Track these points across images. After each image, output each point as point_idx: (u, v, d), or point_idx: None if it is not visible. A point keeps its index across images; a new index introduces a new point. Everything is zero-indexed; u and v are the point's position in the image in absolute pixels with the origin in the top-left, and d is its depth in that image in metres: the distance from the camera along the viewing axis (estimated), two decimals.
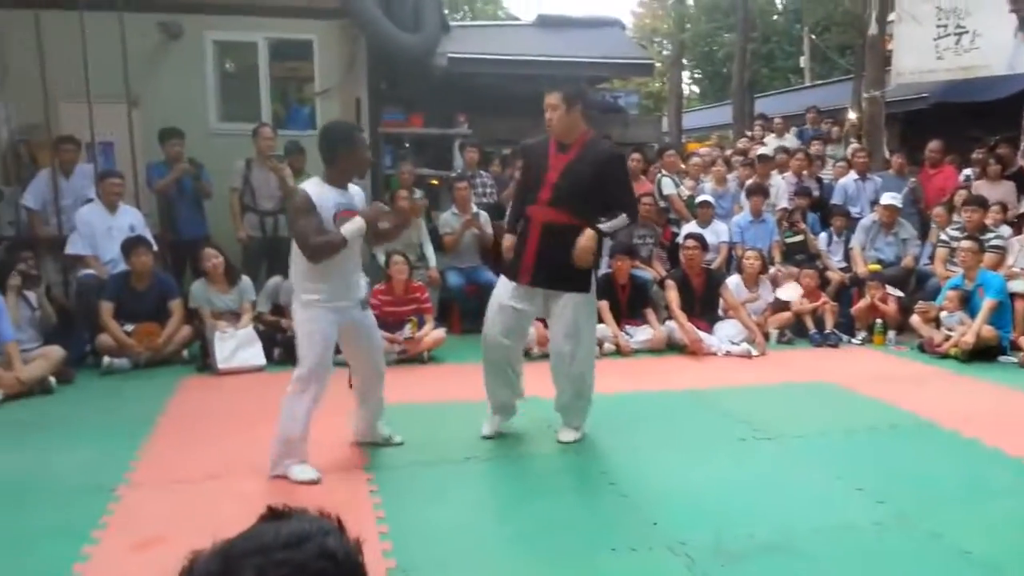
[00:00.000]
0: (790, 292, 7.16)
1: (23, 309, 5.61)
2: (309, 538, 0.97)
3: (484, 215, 7.62)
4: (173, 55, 7.78)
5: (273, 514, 1.04)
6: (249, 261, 6.99)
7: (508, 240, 4.42)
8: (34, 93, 6.49)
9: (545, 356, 6.31)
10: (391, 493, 3.64)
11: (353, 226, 3.74)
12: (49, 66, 6.51)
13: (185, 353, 6.12)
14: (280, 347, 6.05)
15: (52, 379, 5.27)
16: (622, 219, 4.17)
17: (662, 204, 8.13)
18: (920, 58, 8.93)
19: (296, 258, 3.77)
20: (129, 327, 5.87)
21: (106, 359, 5.76)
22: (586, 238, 4.02)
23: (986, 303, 6.20)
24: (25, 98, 6.68)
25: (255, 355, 5.81)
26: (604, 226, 4.13)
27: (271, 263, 6.83)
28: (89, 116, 6.74)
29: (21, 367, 5.13)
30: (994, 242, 6.99)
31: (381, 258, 7.05)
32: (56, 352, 5.39)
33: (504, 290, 4.27)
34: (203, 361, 5.86)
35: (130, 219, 6.46)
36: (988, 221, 7.21)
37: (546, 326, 4.63)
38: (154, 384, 5.47)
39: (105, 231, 6.34)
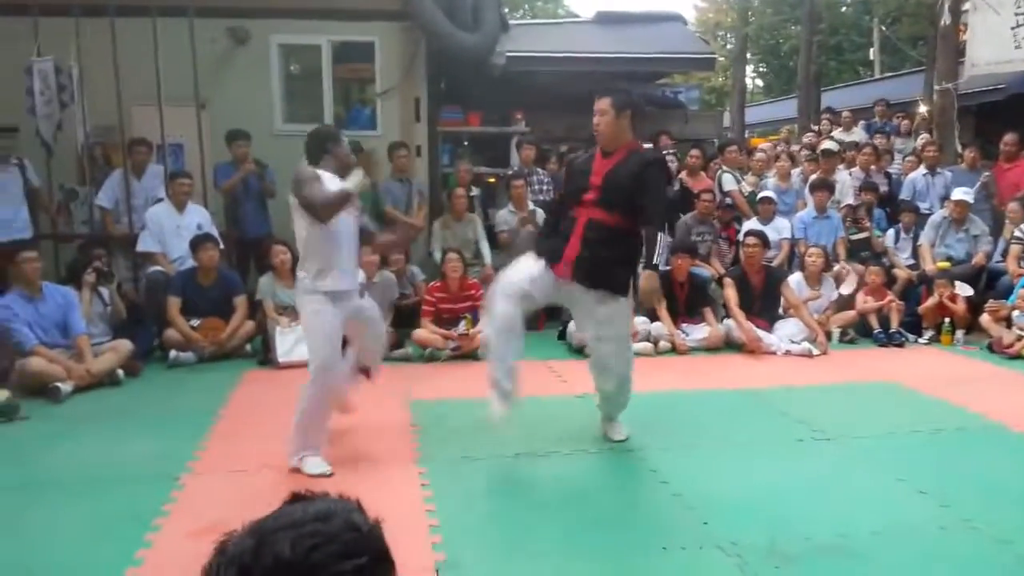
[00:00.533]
0: (849, 285, 6.98)
1: (96, 305, 5.85)
2: (336, 514, 1.04)
3: (540, 212, 7.61)
4: (240, 59, 7.99)
5: (297, 498, 1.10)
6: None
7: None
8: (108, 97, 6.75)
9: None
10: (442, 486, 3.68)
11: (356, 179, 3.89)
12: (122, 71, 6.76)
13: (248, 347, 6.30)
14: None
15: (120, 372, 5.48)
16: (662, 245, 4.08)
17: (725, 201, 8.00)
18: (997, 48, 8.56)
19: (302, 249, 3.92)
20: (195, 322, 6.06)
21: (172, 353, 5.97)
22: (646, 279, 4.00)
23: None
24: (99, 102, 6.95)
25: None
26: (657, 260, 4.04)
27: None
28: (160, 119, 6.98)
29: (91, 360, 5.34)
30: None
31: (437, 255, 7.13)
32: (125, 346, 5.61)
33: (534, 269, 4.17)
34: (265, 355, 6.02)
35: (198, 218, 6.68)
36: None
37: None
38: (217, 377, 5.64)
39: (174, 229, 6.57)
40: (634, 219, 4.05)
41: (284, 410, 4.82)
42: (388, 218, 7.44)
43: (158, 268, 6.44)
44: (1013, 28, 8.30)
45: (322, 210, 3.77)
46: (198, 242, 6.21)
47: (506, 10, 11.50)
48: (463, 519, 3.37)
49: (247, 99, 7.85)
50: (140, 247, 6.58)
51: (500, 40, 8.88)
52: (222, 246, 6.56)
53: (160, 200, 6.78)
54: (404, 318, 6.63)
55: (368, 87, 8.53)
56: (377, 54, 8.22)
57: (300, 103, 8.42)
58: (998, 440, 4.36)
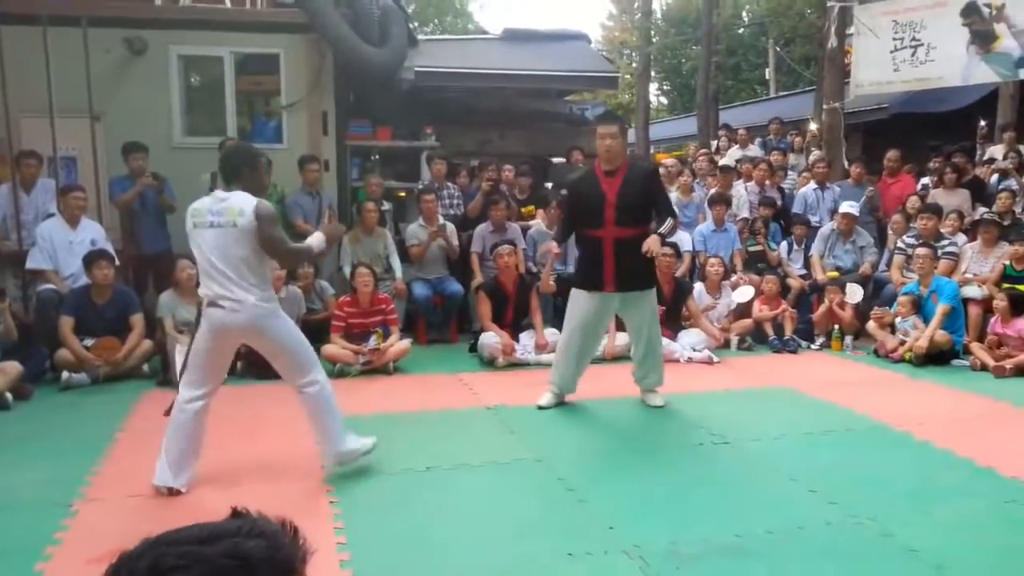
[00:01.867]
0: (744, 294, 7.29)
1: None
2: (227, 537, 0.97)
3: (451, 227, 7.67)
4: (137, 69, 7.75)
5: (234, 514, 1.04)
6: None
7: (547, 277, 5.60)
8: None
9: (512, 366, 6.41)
10: (351, 503, 3.66)
11: (316, 240, 4.12)
12: (11, 81, 6.48)
13: (146, 367, 6.08)
14: (243, 359, 6.02)
15: (9, 395, 5.20)
16: (670, 223, 4.92)
17: None
18: (878, 70, 9.13)
19: (243, 269, 3.73)
20: (89, 342, 5.82)
21: (65, 374, 5.71)
22: (652, 239, 4.75)
23: (940, 308, 6.35)
24: None
25: None
26: (662, 230, 4.87)
27: None
28: (52, 130, 6.70)
29: None
30: (948, 249, 7.17)
31: (347, 270, 7.06)
32: (13, 368, 5.33)
33: (586, 302, 5.02)
34: (164, 375, 5.82)
35: (91, 234, 6.43)
36: (944, 229, 7.39)
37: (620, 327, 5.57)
38: (113, 399, 5.43)
39: (66, 245, 6.30)
40: (648, 224, 4.92)
41: None
42: (298, 232, 7.33)
43: (49, 286, 6.16)
44: (892, 52, 8.86)
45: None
46: (92, 259, 5.97)
47: (415, 25, 11.54)
48: (372, 535, 3.35)
49: (145, 111, 7.63)
50: (30, 264, 6.28)
51: (409, 55, 8.91)
52: (118, 263, 6.33)
53: (51, 215, 6.50)
54: (313, 334, 6.51)
55: (273, 100, 8.40)
56: (282, 66, 8.12)
57: (201, 115, 8.22)
58: (882, 439, 4.63)
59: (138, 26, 7.70)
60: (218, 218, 3.71)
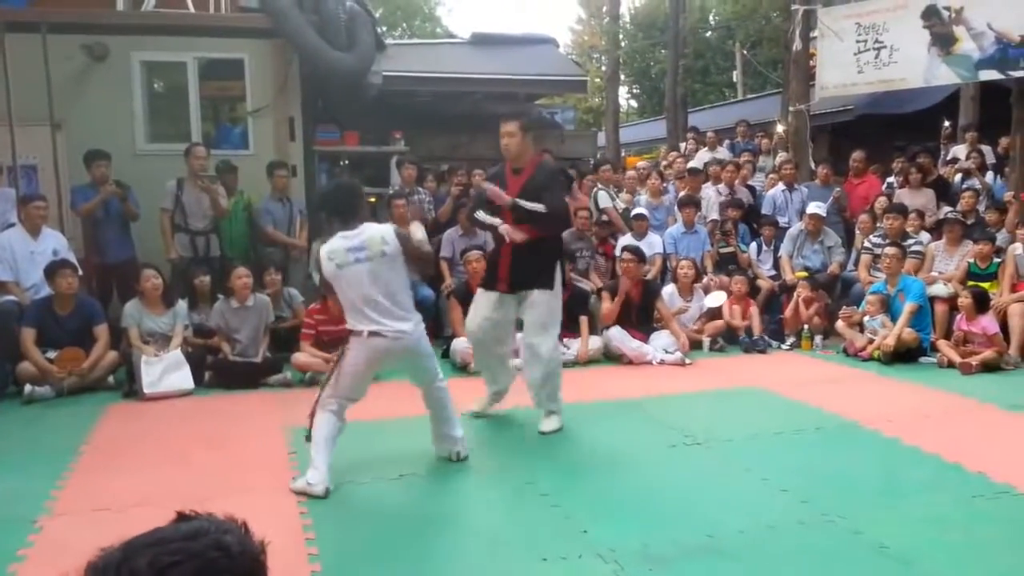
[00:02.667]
0: (717, 299, 7.33)
1: None
2: (206, 533, 1.03)
3: (421, 230, 7.61)
4: (99, 76, 7.63)
5: (181, 517, 1.09)
6: (178, 281, 6.86)
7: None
8: None
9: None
10: (322, 512, 3.61)
11: (422, 232, 5.32)
12: None
13: (111, 379, 5.96)
14: (210, 369, 5.94)
15: None
16: (538, 206, 4.60)
17: (601, 217, 8.25)
18: (842, 72, 9.25)
19: (397, 294, 3.99)
20: (52, 354, 5.70)
21: (27, 387, 5.58)
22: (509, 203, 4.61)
23: (907, 307, 6.43)
24: None
25: (183, 379, 5.69)
26: (522, 203, 4.61)
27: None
28: (11, 139, 6.57)
29: None
30: (914, 248, 7.27)
31: (317, 277, 6.99)
32: None
33: (485, 300, 4.86)
34: (129, 386, 5.72)
35: (53, 243, 6.30)
36: (909, 228, 7.50)
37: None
38: (78, 412, 5.31)
39: (27, 256, 6.17)
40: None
41: (151, 444, 4.64)
42: (268, 239, 7.27)
43: (10, 297, 6.02)
44: (855, 54, 8.99)
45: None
46: (54, 268, 5.85)
47: (383, 29, 11.50)
48: (344, 543, 3.32)
49: (107, 118, 7.52)
50: None
51: (376, 60, 8.86)
52: (80, 272, 6.20)
53: (12, 225, 6.36)
54: (282, 342, 6.46)
55: (239, 105, 8.32)
56: (247, 72, 8.03)
57: (165, 122, 8.12)
58: (852, 437, 4.67)
59: (99, 32, 7.58)
60: (362, 253, 3.89)
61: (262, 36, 7.98)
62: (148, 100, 8.00)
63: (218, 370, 5.95)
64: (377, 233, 3.91)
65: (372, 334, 3.89)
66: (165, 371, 5.64)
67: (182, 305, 6.22)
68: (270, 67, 8.07)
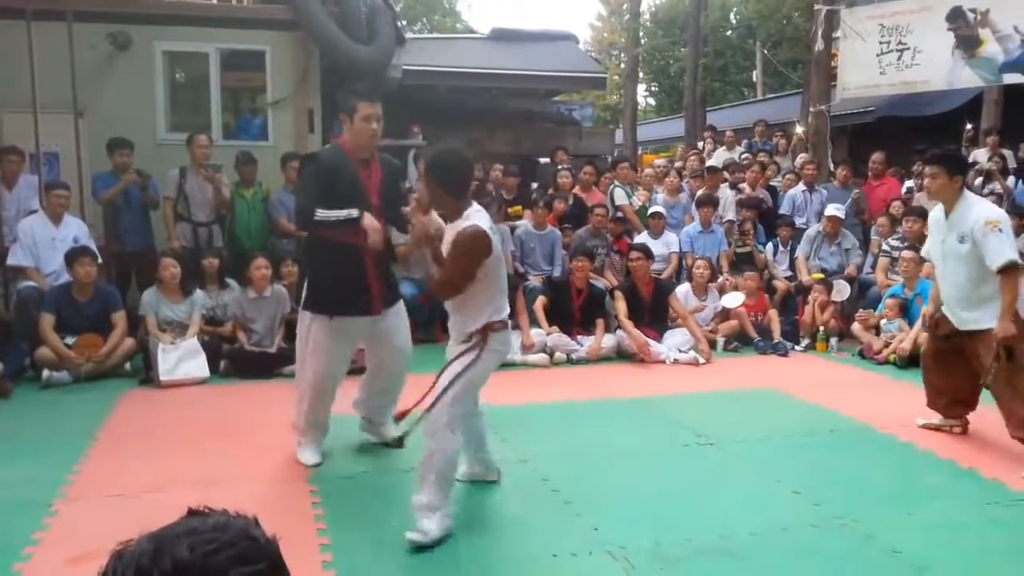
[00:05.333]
0: (733, 299, 7.29)
1: None
2: (232, 526, 1.06)
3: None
4: (122, 65, 7.68)
5: (193, 513, 1.10)
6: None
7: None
8: None
9: (512, 365, 6.39)
10: (334, 504, 3.63)
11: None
12: None
13: (128, 366, 6.02)
14: (226, 358, 5.99)
15: None
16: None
17: (618, 215, 8.23)
18: (864, 73, 9.19)
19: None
20: (70, 339, 5.76)
21: (45, 372, 5.64)
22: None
23: (924, 311, 6.36)
24: None
25: (199, 367, 5.74)
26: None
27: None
28: (35, 126, 6.63)
29: None
30: None
31: None
32: None
33: (337, 331, 3.98)
34: (146, 373, 5.77)
35: (74, 231, 6.36)
36: (927, 231, 7.42)
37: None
38: (94, 397, 5.37)
39: (48, 242, 6.23)
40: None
41: (166, 431, 4.68)
42: (282, 230, 7.30)
43: (30, 283, 6.09)
44: (878, 55, 8.92)
45: None
46: (73, 256, 5.90)
47: (403, 23, 11.52)
48: (355, 535, 3.33)
49: (129, 107, 7.57)
50: (11, 261, 6.21)
51: (396, 53, 8.88)
52: (100, 260, 6.26)
53: (34, 212, 6.43)
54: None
55: (259, 97, 8.35)
56: (268, 63, 8.07)
57: (186, 111, 8.17)
58: (866, 441, 4.65)
59: (123, 21, 7.63)
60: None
61: (283, 28, 8.01)
62: (170, 90, 8.06)
63: (234, 359, 5.99)
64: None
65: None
66: (181, 359, 5.68)
67: (199, 294, 6.27)
68: (291, 59, 8.10)
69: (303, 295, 4.10)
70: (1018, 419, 4.28)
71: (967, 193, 4.45)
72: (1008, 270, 4.15)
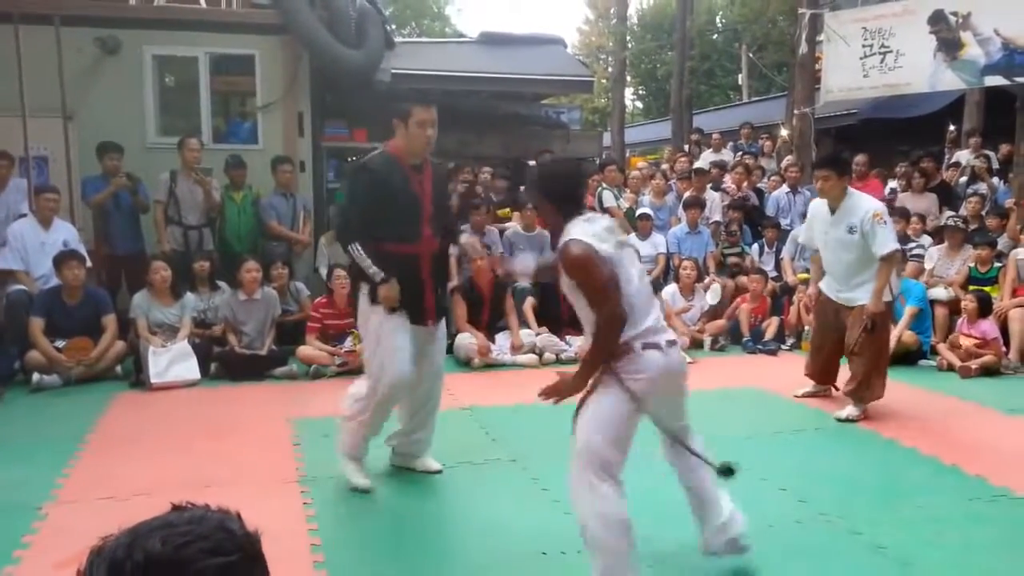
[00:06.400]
0: (715, 294, 7.39)
1: None
2: (210, 519, 1.07)
3: None
4: (111, 69, 7.69)
5: (176, 508, 1.12)
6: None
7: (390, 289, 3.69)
8: None
9: (487, 367, 6.44)
10: (325, 505, 3.66)
11: None
12: None
13: (118, 369, 6.03)
14: (216, 361, 6.00)
15: None
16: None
17: None
18: (847, 76, 9.28)
19: None
20: (60, 343, 5.76)
21: (35, 376, 5.64)
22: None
23: (907, 310, 6.46)
24: None
25: (189, 369, 5.76)
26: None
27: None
28: (23, 130, 6.63)
29: None
30: (916, 251, 7.30)
31: (323, 271, 7.05)
32: None
33: (403, 325, 3.78)
34: (136, 376, 5.78)
35: (64, 234, 6.37)
36: (909, 231, 7.53)
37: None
38: (85, 401, 5.37)
39: (38, 246, 6.24)
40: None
41: (156, 433, 4.69)
42: (272, 233, 7.32)
43: (20, 287, 6.09)
44: (861, 58, 9.02)
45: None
46: (61, 259, 5.92)
47: (392, 27, 11.55)
48: (345, 536, 3.36)
49: (118, 111, 7.58)
50: (0, 265, 6.20)
51: (386, 57, 8.91)
52: (89, 263, 6.26)
53: (23, 215, 6.42)
54: (288, 335, 6.52)
55: (249, 100, 8.37)
56: (258, 67, 8.09)
57: (176, 115, 8.18)
58: (851, 438, 4.72)
59: (111, 25, 7.64)
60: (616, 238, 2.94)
61: (273, 32, 8.04)
62: (159, 94, 8.07)
63: (224, 362, 6.01)
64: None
65: (649, 346, 2.76)
66: (172, 362, 5.70)
67: (190, 297, 6.29)
68: (280, 63, 8.12)
69: (362, 293, 3.82)
70: (857, 377, 5.02)
71: (851, 190, 5.08)
72: (889, 257, 4.83)
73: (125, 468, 4.09)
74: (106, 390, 5.66)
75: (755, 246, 8.17)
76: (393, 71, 8.92)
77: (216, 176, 7.23)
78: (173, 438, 4.59)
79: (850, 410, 5.04)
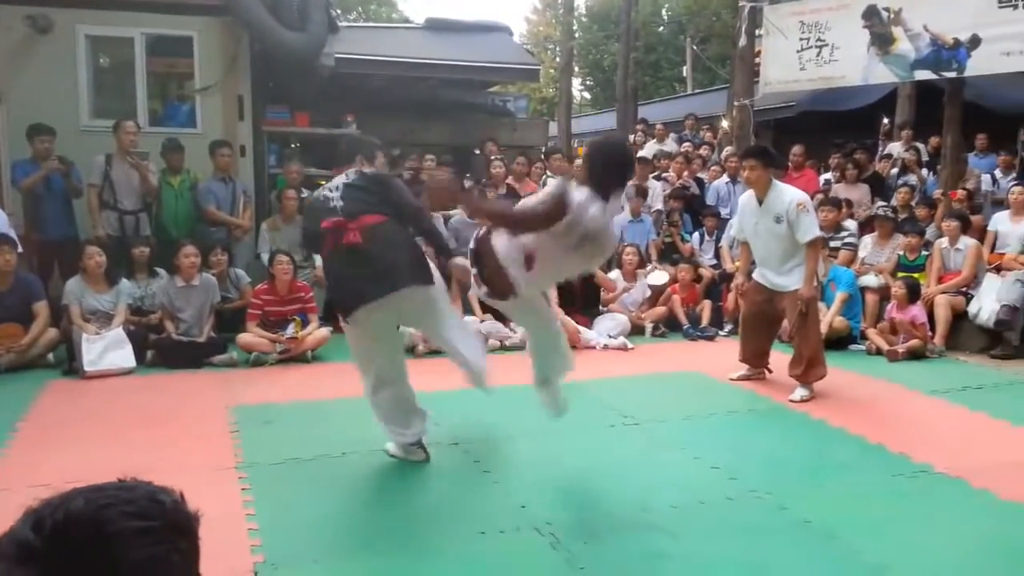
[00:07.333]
0: (658, 278, 7.53)
1: None
2: (140, 488, 1.06)
3: None
4: (42, 49, 7.43)
5: (120, 481, 1.11)
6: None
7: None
8: None
9: (432, 353, 6.45)
10: (264, 490, 3.64)
11: None
12: None
13: (50, 357, 5.88)
14: (153, 348, 5.90)
15: None
16: None
17: None
18: (785, 69, 9.47)
19: None
20: None
21: None
22: None
23: (838, 296, 6.68)
24: None
25: (124, 357, 5.64)
26: None
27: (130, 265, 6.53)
28: None
29: None
30: (848, 240, 7.54)
31: (265, 257, 6.97)
32: None
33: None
34: (69, 364, 5.65)
35: None
36: (843, 221, 7.77)
37: None
38: (15, 389, 5.24)
39: None
40: None
41: (91, 422, 4.60)
42: (210, 219, 7.20)
43: None
44: (799, 51, 9.22)
45: None
46: None
47: (337, 12, 11.40)
48: (284, 521, 3.35)
49: (50, 92, 7.35)
50: None
51: (329, 41, 8.80)
52: (20, 249, 6.08)
53: None
54: (228, 322, 6.44)
55: (187, 83, 8.19)
56: (196, 49, 7.92)
57: (110, 97, 7.96)
58: (782, 419, 4.88)
59: (43, 3, 7.39)
60: None
61: (212, 13, 7.87)
62: (93, 75, 7.84)
63: (161, 349, 5.91)
64: None
65: None
66: (106, 349, 5.58)
67: (126, 283, 6.16)
68: (219, 45, 7.96)
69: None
70: (798, 360, 5.27)
71: (775, 181, 5.30)
72: (813, 244, 5.09)
73: (58, 457, 4.01)
74: (38, 378, 5.52)
75: (695, 234, 8.34)
76: (337, 55, 8.81)
77: (153, 160, 7.07)
78: (108, 426, 4.51)
79: (801, 392, 5.21)
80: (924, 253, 7.22)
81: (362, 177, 3.85)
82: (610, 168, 3.49)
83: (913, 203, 8.25)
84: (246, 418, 4.68)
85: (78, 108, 7.57)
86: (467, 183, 8.65)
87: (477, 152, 9.83)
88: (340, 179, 3.86)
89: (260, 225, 7.52)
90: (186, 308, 6.14)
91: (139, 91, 7.81)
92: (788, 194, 5.18)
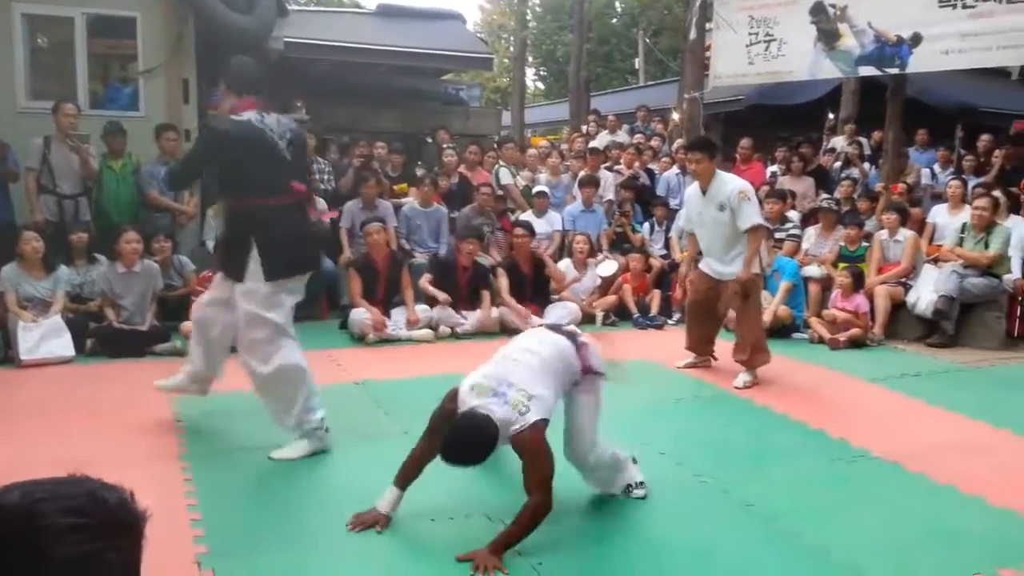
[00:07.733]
0: (608, 267, 7.60)
1: None
2: (84, 484, 1.04)
3: (322, 202, 7.55)
4: None
5: (68, 477, 1.09)
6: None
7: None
8: None
9: (382, 342, 6.42)
10: (207, 480, 3.59)
11: None
12: None
13: None
14: (93, 337, 5.75)
15: None
16: None
17: (499, 193, 8.36)
18: (734, 63, 9.61)
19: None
20: None
21: None
22: None
23: (782, 285, 6.82)
24: None
25: (63, 345, 5.49)
26: None
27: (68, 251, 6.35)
28: None
29: None
30: (792, 232, 7.70)
31: (210, 245, 6.84)
32: None
33: None
34: (5, 353, 5.48)
35: None
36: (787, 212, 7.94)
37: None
38: None
39: None
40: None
41: (28, 412, 4.47)
42: (153, 204, 7.03)
43: None
44: (747, 46, 9.36)
45: None
46: None
47: None
48: (227, 511, 3.31)
49: None
50: None
51: (278, 25, 8.66)
52: None
53: None
54: (171, 310, 6.30)
55: (130, 65, 7.97)
56: (139, 30, 7.71)
57: (49, 78, 7.71)
58: (727, 406, 4.98)
59: None
60: None
61: None
62: (30, 55, 7.57)
63: (101, 337, 5.76)
64: None
65: None
66: (44, 337, 5.42)
67: (64, 270, 5.99)
68: (163, 26, 7.77)
69: None
70: (742, 345, 5.44)
71: (719, 172, 5.45)
72: (754, 230, 5.22)
73: None
74: None
75: (646, 225, 8.42)
76: (286, 39, 8.68)
77: (94, 143, 6.87)
78: (46, 417, 4.39)
79: (745, 377, 5.36)
80: (864, 244, 7.41)
81: None
82: None
83: (855, 196, 8.45)
84: (189, 407, 4.59)
85: (14, 89, 7.32)
86: (418, 171, 8.61)
87: (429, 140, 9.77)
88: None
89: (206, 212, 7.36)
90: (127, 295, 6.00)
91: (79, 72, 7.58)
92: (731, 183, 5.33)
